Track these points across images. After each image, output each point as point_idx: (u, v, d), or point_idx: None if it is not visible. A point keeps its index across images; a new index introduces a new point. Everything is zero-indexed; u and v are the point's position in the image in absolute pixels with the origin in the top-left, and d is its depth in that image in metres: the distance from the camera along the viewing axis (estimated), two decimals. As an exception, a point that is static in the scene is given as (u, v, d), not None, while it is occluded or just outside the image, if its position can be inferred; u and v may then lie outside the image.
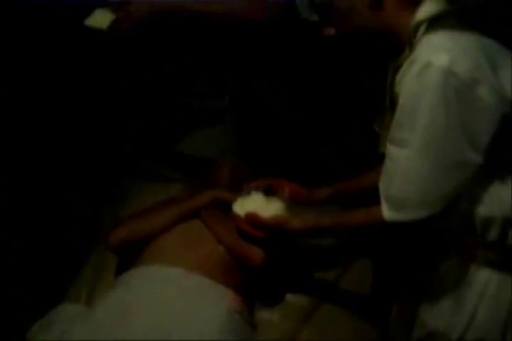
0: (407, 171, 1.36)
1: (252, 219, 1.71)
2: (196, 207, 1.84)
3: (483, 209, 1.39)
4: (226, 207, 1.81)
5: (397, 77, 1.40)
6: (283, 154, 2.30)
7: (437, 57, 1.29)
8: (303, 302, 1.86)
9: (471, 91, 1.29)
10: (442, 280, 1.51)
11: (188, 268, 1.66)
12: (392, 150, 1.39)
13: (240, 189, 1.91)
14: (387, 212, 1.41)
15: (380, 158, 1.51)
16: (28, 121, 2.19)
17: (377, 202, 1.44)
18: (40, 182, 2.18)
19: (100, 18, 1.90)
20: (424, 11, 1.39)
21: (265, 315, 1.82)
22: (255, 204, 1.76)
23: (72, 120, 2.22)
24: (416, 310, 1.56)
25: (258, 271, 1.73)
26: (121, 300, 1.58)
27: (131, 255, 1.79)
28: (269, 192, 1.83)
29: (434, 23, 1.37)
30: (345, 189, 1.83)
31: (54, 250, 2.06)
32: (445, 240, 1.50)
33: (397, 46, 1.43)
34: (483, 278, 1.43)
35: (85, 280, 1.92)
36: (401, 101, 1.36)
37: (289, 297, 1.87)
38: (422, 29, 1.38)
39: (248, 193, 1.81)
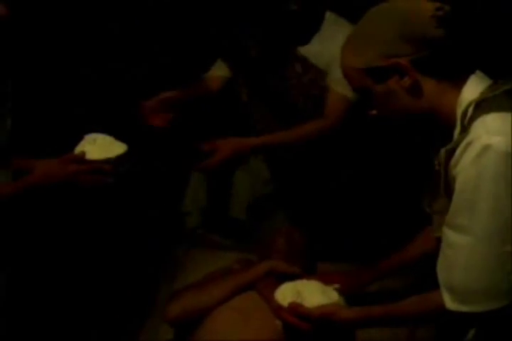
0: (470, 261, 1.30)
1: (295, 309, 1.54)
2: (252, 279, 1.82)
3: None
4: (283, 279, 1.77)
5: (452, 161, 1.34)
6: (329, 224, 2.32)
7: (495, 140, 1.26)
8: None
9: None
10: None
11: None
12: (450, 236, 1.34)
13: (296, 258, 1.90)
14: (450, 303, 1.34)
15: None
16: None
17: (432, 285, 1.37)
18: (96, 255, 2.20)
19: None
20: (471, 92, 1.36)
21: None
22: (310, 292, 1.63)
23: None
24: None
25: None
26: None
27: (189, 328, 1.79)
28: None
29: (482, 101, 1.35)
30: (388, 268, 1.78)
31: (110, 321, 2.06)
32: None
33: (443, 126, 1.40)
34: None
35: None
36: (459, 186, 1.32)
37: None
38: (471, 110, 1.35)
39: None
